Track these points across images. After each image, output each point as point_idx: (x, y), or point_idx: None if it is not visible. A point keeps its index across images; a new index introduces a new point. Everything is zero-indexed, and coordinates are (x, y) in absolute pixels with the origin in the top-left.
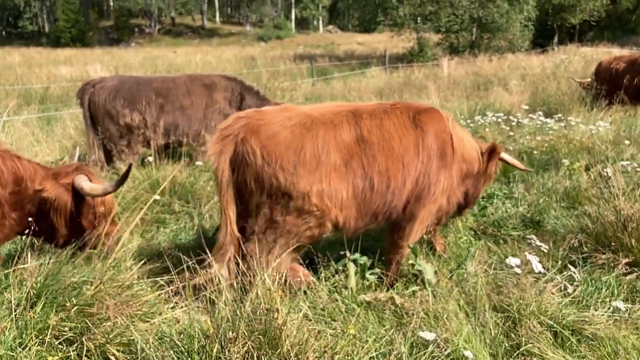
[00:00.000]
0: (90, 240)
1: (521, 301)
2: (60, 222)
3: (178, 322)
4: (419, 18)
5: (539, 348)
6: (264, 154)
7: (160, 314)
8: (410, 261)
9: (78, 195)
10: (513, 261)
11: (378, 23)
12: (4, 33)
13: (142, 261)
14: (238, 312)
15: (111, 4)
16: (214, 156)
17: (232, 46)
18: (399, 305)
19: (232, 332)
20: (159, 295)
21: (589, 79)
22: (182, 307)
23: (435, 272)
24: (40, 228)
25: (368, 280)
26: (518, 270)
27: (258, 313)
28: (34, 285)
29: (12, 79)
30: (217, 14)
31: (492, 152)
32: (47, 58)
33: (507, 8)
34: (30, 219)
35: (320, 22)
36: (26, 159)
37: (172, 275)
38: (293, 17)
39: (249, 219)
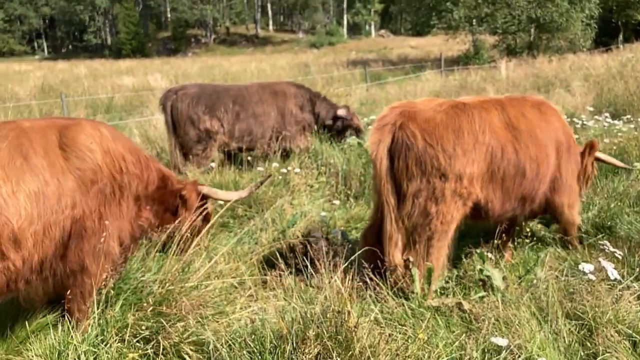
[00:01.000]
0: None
1: (596, 309)
2: (184, 218)
3: (252, 322)
4: (474, 20)
5: (617, 358)
6: (425, 136)
7: (232, 313)
8: (478, 266)
9: (202, 202)
10: (587, 267)
11: (432, 26)
12: (70, 47)
13: (210, 262)
14: (308, 314)
15: (169, 15)
16: (372, 146)
17: (285, 53)
18: (467, 311)
19: (304, 332)
20: (230, 295)
21: None
22: (253, 308)
23: (504, 278)
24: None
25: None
26: (592, 277)
27: (328, 315)
28: (112, 285)
29: (80, 90)
30: (270, 22)
31: (591, 149)
32: (110, 69)
33: (567, 7)
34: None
35: (372, 26)
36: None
37: (242, 276)
38: (345, 22)
39: (403, 211)
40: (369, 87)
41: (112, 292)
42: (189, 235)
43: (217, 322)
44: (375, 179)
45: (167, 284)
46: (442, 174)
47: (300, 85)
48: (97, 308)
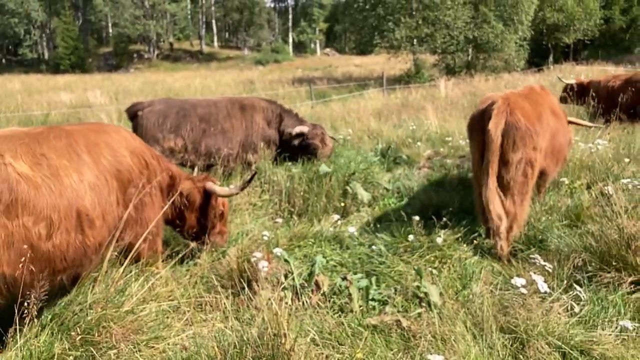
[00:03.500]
0: (211, 235)
1: (528, 322)
2: (190, 216)
3: (185, 349)
4: (415, 40)
5: None
6: (525, 120)
7: (168, 338)
8: (416, 283)
9: (206, 197)
10: (518, 281)
11: (375, 45)
12: (4, 61)
13: (147, 285)
14: (244, 337)
15: (110, 30)
16: (493, 127)
17: (231, 70)
18: (406, 328)
19: (239, 359)
20: (167, 319)
21: (573, 82)
22: (188, 333)
23: (441, 294)
24: (176, 220)
25: (373, 301)
26: (524, 291)
27: (265, 338)
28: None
29: (12, 106)
30: (215, 39)
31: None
32: (47, 85)
33: (501, 28)
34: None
35: (318, 45)
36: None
37: (180, 299)
38: (290, 40)
39: (507, 175)
40: (314, 105)
41: (36, 321)
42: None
43: (152, 347)
44: (489, 152)
45: (100, 310)
46: (534, 146)
47: (271, 101)
48: (20, 338)
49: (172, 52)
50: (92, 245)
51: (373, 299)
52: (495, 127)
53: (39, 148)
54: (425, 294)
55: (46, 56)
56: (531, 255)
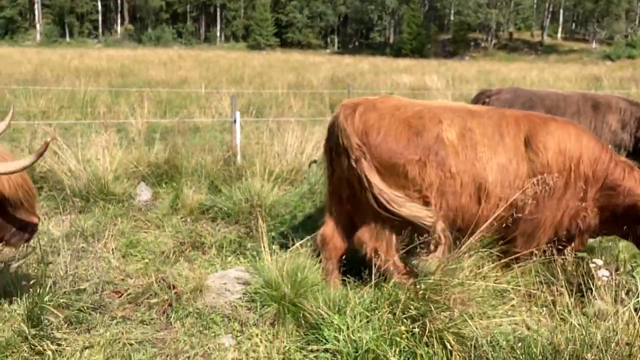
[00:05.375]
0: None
1: None
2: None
3: (528, 328)
4: None
5: None
6: None
7: (493, 317)
8: None
9: None
10: None
11: None
12: (357, 43)
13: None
14: (586, 339)
15: (452, 18)
16: None
17: (571, 64)
18: None
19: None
20: (493, 299)
21: None
22: (516, 318)
23: None
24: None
25: None
26: None
27: (612, 345)
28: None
29: (363, 83)
30: (560, 30)
31: None
32: (390, 67)
33: None
34: None
35: None
36: None
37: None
38: None
39: None
40: None
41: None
42: None
43: (478, 322)
44: None
45: (438, 276)
46: None
47: (634, 102)
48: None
49: (511, 41)
50: (481, 216)
51: None
52: None
53: (470, 123)
54: None
55: (391, 40)
56: None
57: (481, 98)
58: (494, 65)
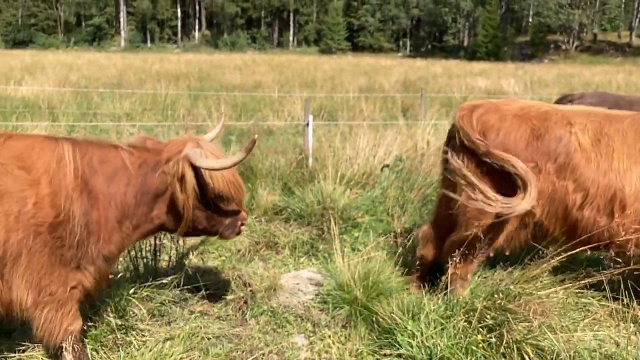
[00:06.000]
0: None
1: None
2: None
3: (617, 345)
4: None
5: None
6: None
7: (574, 331)
8: None
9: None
10: None
11: None
12: (429, 46)
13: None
14: None
15: (530, 20)
16: None
17: None
18: None
19: None
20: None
21: None
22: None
23: None
24: None
25: None
26: None
27: None
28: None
29: (436, 87)
30: None
31: None
32: (464, 70)
33: None
34: None
35: None
36: None
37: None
38: None
39: None
40: None
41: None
42: None
43: (559, 334)
44: None
45: (517, 285)
46: None
47: None
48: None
49: (595, 43)
50: (616, 227)
51: None
52: None
53: (606, 128)
54: None
55: (465, 43)
56: None
57: (563, 103)
58: (575, 68)
